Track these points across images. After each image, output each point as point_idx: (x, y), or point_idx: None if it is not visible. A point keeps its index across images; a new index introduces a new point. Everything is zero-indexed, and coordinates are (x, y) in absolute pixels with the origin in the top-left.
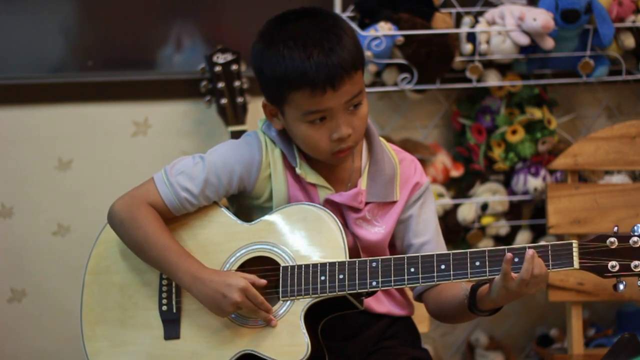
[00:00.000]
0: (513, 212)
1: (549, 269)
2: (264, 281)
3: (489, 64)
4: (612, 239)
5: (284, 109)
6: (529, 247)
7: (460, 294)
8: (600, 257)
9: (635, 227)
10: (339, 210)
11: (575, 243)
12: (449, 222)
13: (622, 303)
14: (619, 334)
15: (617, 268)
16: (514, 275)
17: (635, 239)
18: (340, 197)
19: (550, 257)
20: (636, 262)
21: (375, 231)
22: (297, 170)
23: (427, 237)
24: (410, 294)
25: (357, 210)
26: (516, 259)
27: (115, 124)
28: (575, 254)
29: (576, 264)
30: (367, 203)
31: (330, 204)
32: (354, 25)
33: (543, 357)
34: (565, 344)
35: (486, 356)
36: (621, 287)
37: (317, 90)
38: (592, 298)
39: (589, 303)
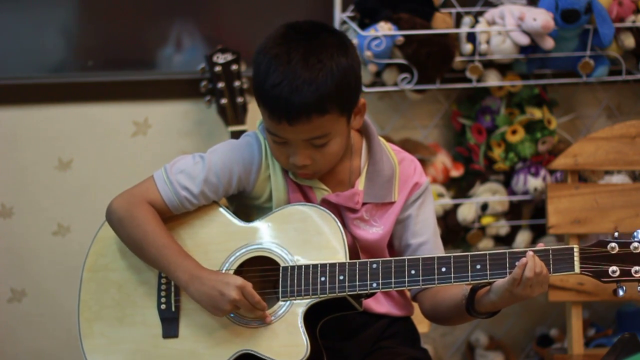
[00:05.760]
0: (513, 212)
1: (549, 273)
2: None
3: (489, 64)
4: (613, 244)
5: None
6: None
7: (457, 295)
8: (601, 262)
9: (636, 233)
10: (337, 210)
11: (576, 248)
12: (449, 222)
13: (622, 303)
14: (619, 334)
15: (617, 273)
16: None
17: (635, 244)
18: (337, 198)
19: (551, 262)
20: (636, 268)
21: (373, 231)
22: (290, 174)
23: (425, 238)
24: (409, 294)
25: (354, 210)
26: (517, 263)
27: (115, 124)
28: (576, 258)
29: (577, 269)
30: (364, 203)
31: (327, 205)
32: (353, 26)
33: (543, 357)
34: (565, 344)
35: (486, 356)
36: (621, 292)
37: (273, 117)
38: (592, 298)
39: (589, 303)
